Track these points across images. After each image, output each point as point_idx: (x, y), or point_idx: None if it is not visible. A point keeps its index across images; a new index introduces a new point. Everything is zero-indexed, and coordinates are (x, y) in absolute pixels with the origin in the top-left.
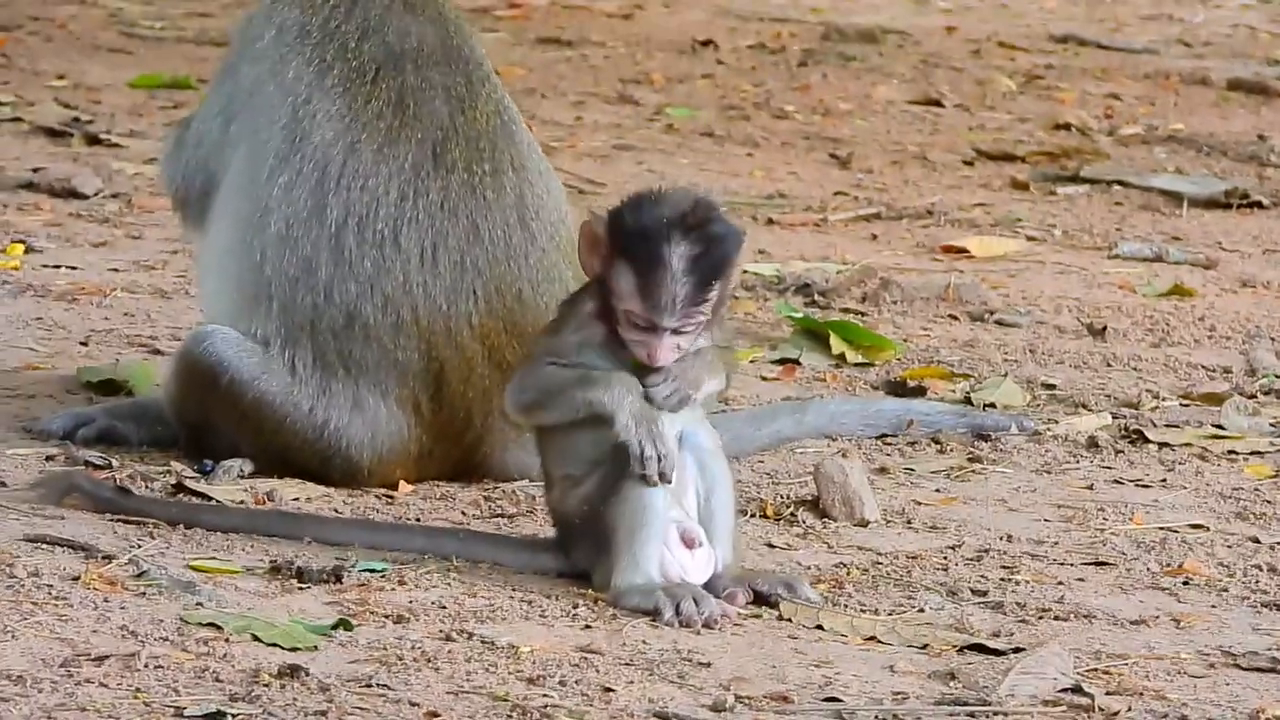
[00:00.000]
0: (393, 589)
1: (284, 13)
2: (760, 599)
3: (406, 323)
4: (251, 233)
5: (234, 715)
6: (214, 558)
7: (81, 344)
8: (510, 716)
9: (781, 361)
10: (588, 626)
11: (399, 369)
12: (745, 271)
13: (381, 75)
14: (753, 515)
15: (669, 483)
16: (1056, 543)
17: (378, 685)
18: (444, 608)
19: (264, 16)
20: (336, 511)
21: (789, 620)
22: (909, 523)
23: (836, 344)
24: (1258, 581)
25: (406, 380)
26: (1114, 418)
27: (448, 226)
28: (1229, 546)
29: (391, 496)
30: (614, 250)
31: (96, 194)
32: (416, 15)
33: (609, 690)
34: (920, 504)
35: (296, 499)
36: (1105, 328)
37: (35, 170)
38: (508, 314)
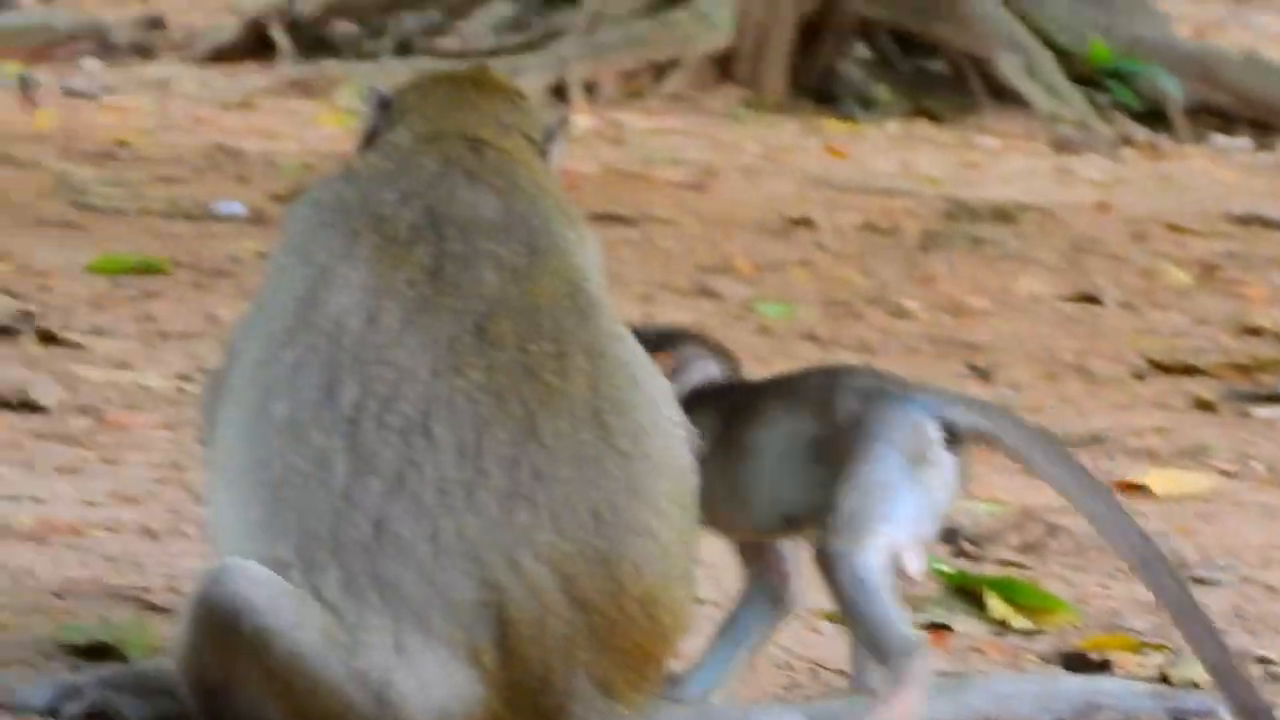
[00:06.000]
0: None
1: (324, 189)
2: None
3: (446, 534)
4: (257, 422)
5: None
6: None
7: (56, 596)
8: None
9: (929, 627)
10: None
11: (444, 597)
12: None
13: (418, 240)
14: None
15: None
16: None
17: None
18: None
19: (307, 196)
20: None
21: None
22: None
23: (995, 606)
24: None
25: (455, 614)
26: None
27: (494, 414)
28: None
29: None
30: None
31: (58, 406)
32: (476, 182)
33: None
34: None
35: None
36: None
37: None
38: (584, 536)
